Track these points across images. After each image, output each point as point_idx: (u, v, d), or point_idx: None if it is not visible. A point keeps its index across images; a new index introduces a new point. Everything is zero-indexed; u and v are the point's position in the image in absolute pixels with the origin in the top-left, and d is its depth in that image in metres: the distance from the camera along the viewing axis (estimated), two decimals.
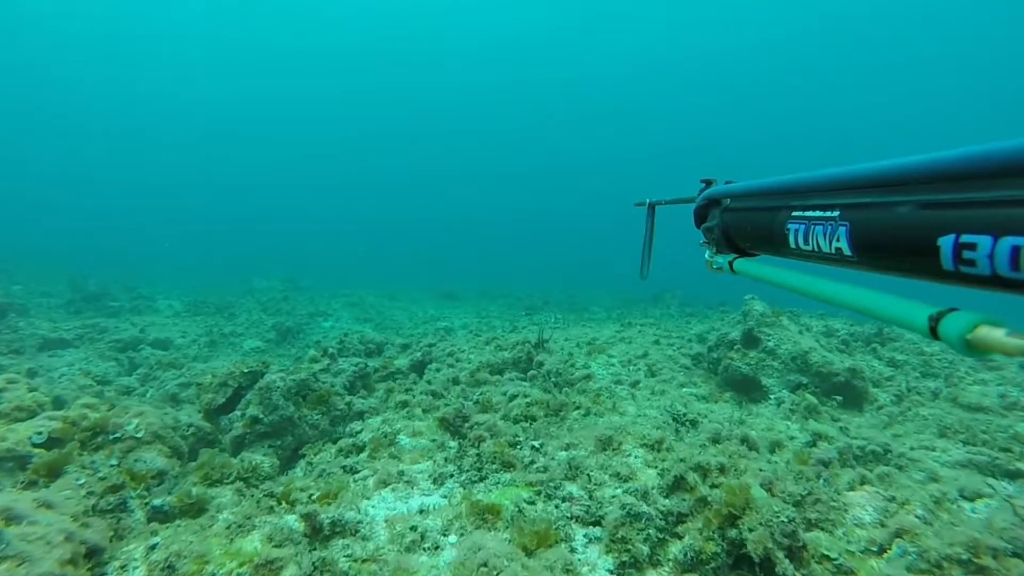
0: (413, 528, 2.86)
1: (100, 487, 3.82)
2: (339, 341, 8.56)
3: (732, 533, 2.81)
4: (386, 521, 2.99)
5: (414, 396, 5.30)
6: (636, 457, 3.64)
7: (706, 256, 1.67)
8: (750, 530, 2.76)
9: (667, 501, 3.16)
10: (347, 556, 2.64)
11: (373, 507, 3.17)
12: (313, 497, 3.15)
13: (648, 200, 2.38)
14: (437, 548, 2.79)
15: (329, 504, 3.07)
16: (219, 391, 5.85)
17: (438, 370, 6.87)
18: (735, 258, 1.49)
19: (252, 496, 3.19)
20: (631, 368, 7.35)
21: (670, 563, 2.92)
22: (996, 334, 0.62)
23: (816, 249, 1.03)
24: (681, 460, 3.32)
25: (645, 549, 2.91)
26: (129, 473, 4.09)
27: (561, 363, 6.62)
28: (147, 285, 20.23)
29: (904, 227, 0.81)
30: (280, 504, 3.05)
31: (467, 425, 3.88)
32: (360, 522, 2.92)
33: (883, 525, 3.11)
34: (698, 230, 1.73)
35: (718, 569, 2.80)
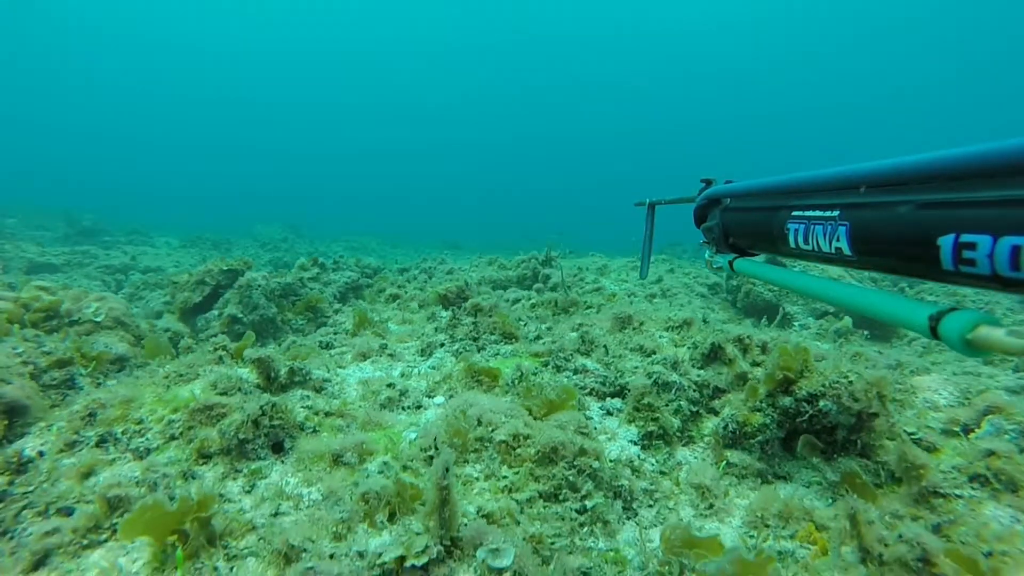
0: (391, 386, 2.33)
1: (45, 361, 3.34)
2: (334, 261, 8.01)
3: (785, 402, 2.27)
4: (359, 382, 2.47)
5: (407, 291, 4.75)
6: (661, 337, 3.09)
7: (706, 256, 1.67)
8: (810, 395, 2.21)
9: (702, 372, 2.62)
10: (306, 407, 2.12)
11: (348, 374, 2.65)
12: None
13: (648, 200, 2.38)
14: (419, 408, 2.27)
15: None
16: (196, 289, 5.34)
17: (436, 285, 6.32)
18: (735, 258, 1.49)
19: (200, 348, 2.68)
20: (645, 288, 6.78)
21: (705, 440, 2.39)
22: (996, 333, 0.61)
23: (816, 249, 1.02)
24: (718, 330, 2.76)
25: (675, 422, 2.38)
26: (80, 351, 3.61)
27: (570, 277, 6.05)
28: (147, 225, 19.69)
29: (904, 227, 0.80)
30: (233, 359, 2.53)
31: (468, 303, 3.33)
32: (328, 380, 2.40)
33: (965, 404, 2.56)
34: (698, 229, 1.72)
35: (766, 443, 2.27)
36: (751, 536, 1.91)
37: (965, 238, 0.68)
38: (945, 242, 0.71)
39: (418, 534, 1.33)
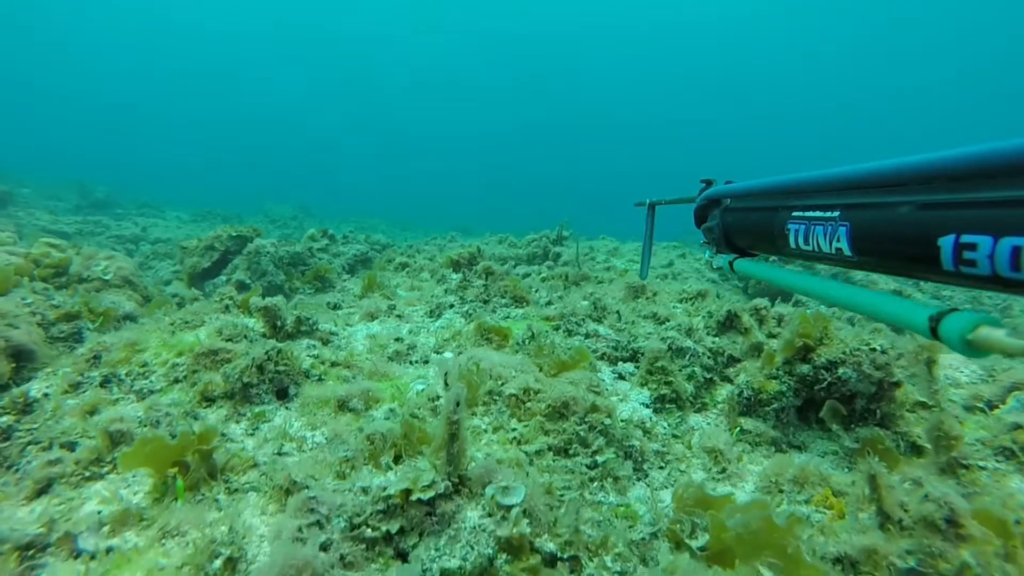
0: (399, 340, 2.29)
1: (53, 313, 3.33)
2: (343, 236, 7.96)
3: (803, 369, 2.20)
4: (367, 337, 2.43)
5: (416, 261, 4.71)
6: (675, 307, 3.02)
7: (706, 256, 1.68)
8: (830, 363, 2.14)
9: (716, 340, 2.55)
10: (312, 356, 2.09)
11: (355, 330, 2.61)
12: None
13: (648, 200, 2.39)
14: (427, 363, 2.22)
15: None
16: (204, 255, 5.32)
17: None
18: (735, 258, 1.49)
19: (208, 298, 2.65)
20: (656, 270, 6.69)
21: (719, 407, 2.34)
22: (997, 334, 0.61)
23: (816, 249, 1.03)
24: (735, 301, 2.69)
25: (689, 387, 2.32)
26: (87, 306, 3.60)
27: (582, 255, 5.97)
28: (158, 199, 19.75)
29: (904, 227, 0.80)
30: (239, 309, 2.50)
31: (479, 266, 3.27)
32: (335, 333, 2.36)
33: (989, 381, 2.49)
34: (698, 230, 1.73)
35: (782, 411, 2.21)
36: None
37: (965, 239, 0.68)
38: (945, 243, 0.71)
39: (424, 471, 1.28)
